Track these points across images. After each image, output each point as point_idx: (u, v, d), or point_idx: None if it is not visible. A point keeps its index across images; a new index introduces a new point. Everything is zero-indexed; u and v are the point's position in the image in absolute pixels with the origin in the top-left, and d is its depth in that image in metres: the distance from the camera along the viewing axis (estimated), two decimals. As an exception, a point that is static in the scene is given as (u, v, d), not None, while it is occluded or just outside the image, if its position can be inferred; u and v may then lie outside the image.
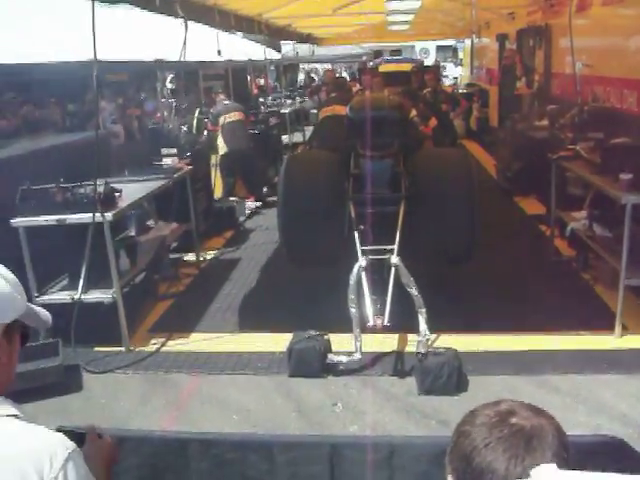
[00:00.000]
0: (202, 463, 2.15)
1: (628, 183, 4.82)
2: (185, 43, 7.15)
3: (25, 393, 4.43)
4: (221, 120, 9.54)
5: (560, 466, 1.11)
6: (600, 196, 5.57)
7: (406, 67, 14.77)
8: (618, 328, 4.94)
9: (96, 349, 5.22)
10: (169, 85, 15.00)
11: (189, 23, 7.15)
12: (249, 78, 17.65)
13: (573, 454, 2.30)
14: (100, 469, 1.58)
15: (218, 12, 7.57)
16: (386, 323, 4.46)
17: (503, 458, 1.06)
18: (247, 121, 10.20)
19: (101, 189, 4.98)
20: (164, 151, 7.11)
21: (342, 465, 2.15)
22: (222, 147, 9.56)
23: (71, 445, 1.32)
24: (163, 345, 5.32)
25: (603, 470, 2.30)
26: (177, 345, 5.32)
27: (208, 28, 8.92)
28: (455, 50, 26.70)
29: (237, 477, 2.15)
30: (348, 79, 18.16)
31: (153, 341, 5.40)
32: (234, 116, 9.58)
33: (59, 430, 1.46)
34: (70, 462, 1.27)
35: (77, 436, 1.56)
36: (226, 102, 9.95)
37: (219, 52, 7.98)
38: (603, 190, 5.24)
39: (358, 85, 13.28)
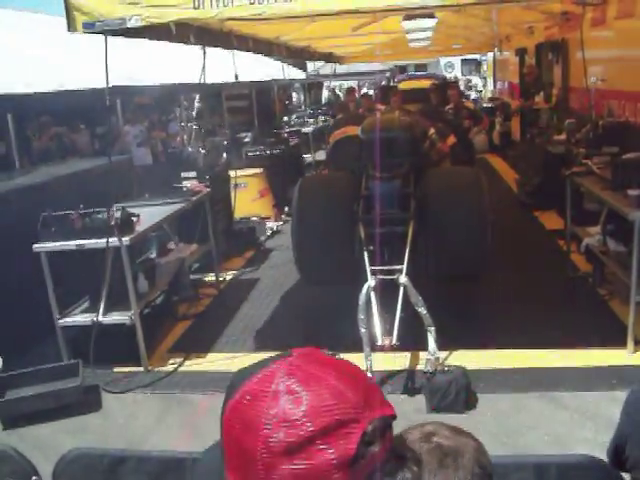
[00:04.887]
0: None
1: (636, 199, 4.82)
2: (204, 68, 7.33)
3: (45, 413, 4.61)
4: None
5: None
6: (614, 211, 5.57)
7: (426, 84, 14.82)
8: (630, 344, 4.92)
9: (115, 370, 5.36)
10: (196, 105, 15.25)
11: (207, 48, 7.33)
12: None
13: (553, 474, 2.34)
14: None
15: (235, 37, 7.73)
16: (394, 343, 4.53)
17: (419, 472, 1.11)
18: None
19: (118, 214, 5.15)
20: (184, 174, 7.27)
21: None
22: None
23: None
24: (180, 365, 5.44)
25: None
26: (194, 365, 5.45)
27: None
28: (479, 63, 26.69)
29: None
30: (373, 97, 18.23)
31: (171, 361, 5.53)
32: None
33: None
34: None
35: None
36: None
37: (236, 76, 8.17)
38: (613, 206, 5.25)
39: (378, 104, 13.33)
